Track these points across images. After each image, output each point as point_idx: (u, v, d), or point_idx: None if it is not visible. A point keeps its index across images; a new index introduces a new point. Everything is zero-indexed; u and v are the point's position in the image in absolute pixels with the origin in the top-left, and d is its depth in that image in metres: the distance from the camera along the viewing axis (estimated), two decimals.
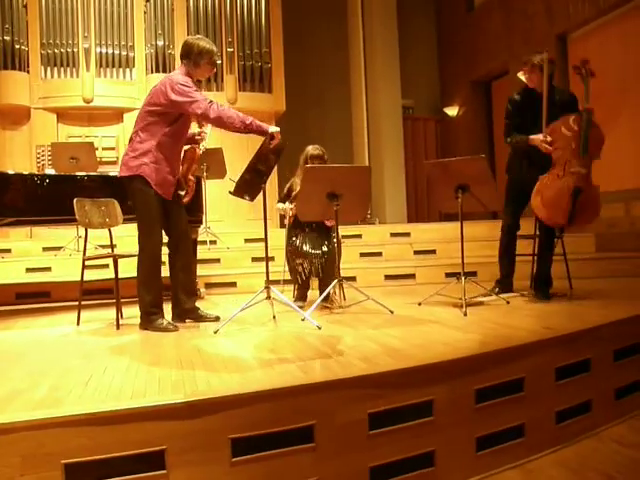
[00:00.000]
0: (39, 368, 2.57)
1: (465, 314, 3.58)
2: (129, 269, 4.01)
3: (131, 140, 3.60)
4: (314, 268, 4.25)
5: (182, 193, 3.80)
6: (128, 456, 1.86)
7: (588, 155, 3.90)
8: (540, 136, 3.91)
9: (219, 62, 3.68)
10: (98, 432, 1.84)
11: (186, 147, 3.87)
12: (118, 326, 3.71)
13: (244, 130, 3.45)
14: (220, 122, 3.41)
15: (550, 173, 3.95)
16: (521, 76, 4.16)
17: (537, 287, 4.17)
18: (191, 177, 3.90)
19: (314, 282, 4.43)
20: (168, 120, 3.53)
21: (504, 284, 4.37)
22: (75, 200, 3.90)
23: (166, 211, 3.63)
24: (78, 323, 3.90)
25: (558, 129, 3.92)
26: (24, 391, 2.15)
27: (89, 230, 4.15)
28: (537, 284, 4.18)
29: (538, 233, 4.31)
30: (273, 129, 3.48)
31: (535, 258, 4.38)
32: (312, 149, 4.36)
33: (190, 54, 3.59)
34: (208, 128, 3.90)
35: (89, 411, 1.86)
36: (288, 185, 4.49)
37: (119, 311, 3.84)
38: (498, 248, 4.43)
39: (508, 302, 3.97)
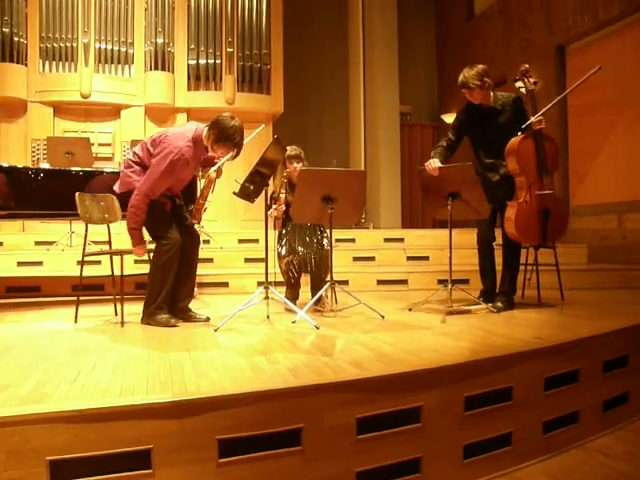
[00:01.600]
0: (26, 363, 2.56)
1: (443, 321, 3.61)
2: (116, 266, 4.01)
3: (129, 160, 3.71)
4: (305, 263, 4.26)
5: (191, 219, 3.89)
6: (114, 454, 1.85)
7: (549, 173, 3.92)
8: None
9: (236, 152, 3.63)
10: (84, 429, 1.83)
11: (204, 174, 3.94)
12: (123, 323, 3.69)
13: (129, 230, 3.60)
14: (130, 211, 3.55)
15: (517, 200, 3.98)
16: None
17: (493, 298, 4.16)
18: (202, 202, 3.92)
19: (305, 279, 4.42)
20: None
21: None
22: (77, 194, 3.88)
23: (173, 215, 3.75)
24: (76, 320, 3.85)
25: (520, 154, 3.90)
26: (10, 386, 2.13)
27: (82, 225, 4.13)
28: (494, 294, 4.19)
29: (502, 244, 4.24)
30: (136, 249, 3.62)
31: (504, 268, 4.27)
32: (289, 149, 4.36)
33: (215, 129, 3.51)
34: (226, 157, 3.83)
35: (76, 408, 1.85)
36: (272, 190, 4.47)
37: (122, 307, 3.81)
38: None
39: (497, 311, 3.95)
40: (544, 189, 3.91)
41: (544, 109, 3.94)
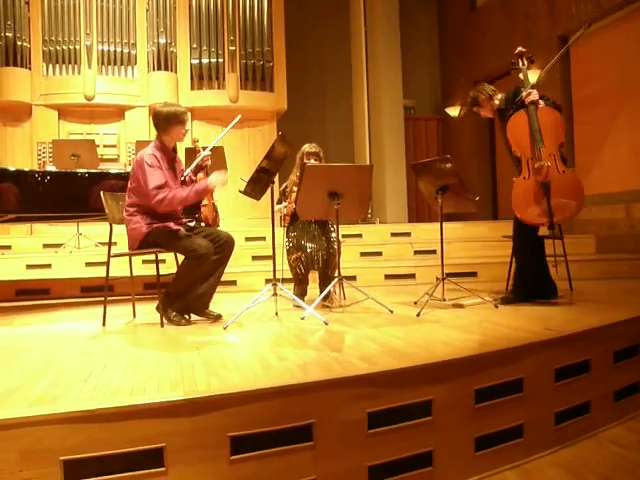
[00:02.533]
0: (38, 365, 2.57)
1: (419, 315, 3.59)
2: (125, 267, 4.04)
3: (125, 211, 3.73)
4: (312, 260, 4.26)
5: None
6: (127, 453, 1.86)
7: (545, 145, 3.72)
8: None
9: (188, 120, 3.76)
10: (97, 429, 1.84)
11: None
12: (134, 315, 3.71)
13: (197, 200, 3.72)
14: (171, 207, 3.61)
15: (518, 177, 3.86)
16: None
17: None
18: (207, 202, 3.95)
19: (313, 276, 4.43)
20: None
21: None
22: (102, 193, 3.88)
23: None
24: (104, 323, 3.76)
25: (511, 131, 3.86)
26: (22, 387, 2.15)
27: (89, 227, 4.14)
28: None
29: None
30: (213, 181, 3.62)
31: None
32: (308, 147, 4.39)
33: (158, 123, 3.71)
34: (204, 153, 3.95)
35: (88, 408, 1.86)
36: (284, 185, 4.49)
37: (133, 307, 3.86)
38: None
39: (497, 306, 3.86)
40: (541, 161, 3.72)
41: (539, 75, 3.88)
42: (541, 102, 3.80)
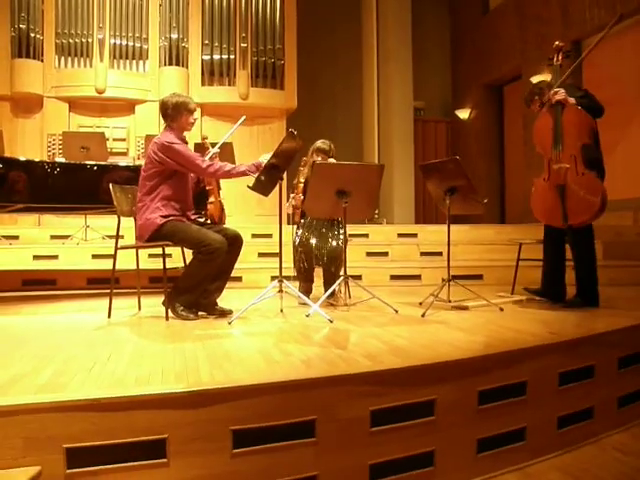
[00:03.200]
0: (43, 354, 2.58)
1: (424, 315, 3.60)
2: (131, 260, 4.05)
3: (139, 203, 3.71)
4: (316, 257, 4.25)
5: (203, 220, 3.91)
6: (129, 443, 1.87)
7: (566, 145, 3.68)
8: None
9: (197, 109, 3.81)
10: (100, 418, 1.85)
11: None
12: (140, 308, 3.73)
13: (237, 176, 3.73)
14: (222, 176, 3.73)
15: (539, 177, 3.88)
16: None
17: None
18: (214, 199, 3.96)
19: (319, 273, 4.42)
20: (165, 176, 3.66)
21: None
22: (111, 185, 3.87)
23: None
24: (109, 315, 3.74)
25: (535, 130, 3.85)
26: (28, 375, 2.16)
27: (97, 220, 4.16)
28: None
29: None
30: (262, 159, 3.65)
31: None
32: (320, 143, 4.42)
33: (166, 112, 3.73)
34: (213, 150, 3.99)
35: (92, 397, 1.87)
36: (296, 179, 4.50)
37: (139, 300, 3.85)
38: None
39: (501, 309, 3.84)
40: (559, 163, 3.69)
41: (560, 79, 3.79)
42: (572, 100, 3.69)
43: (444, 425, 2.31)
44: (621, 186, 6.92)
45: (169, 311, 3.62)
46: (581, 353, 2.82)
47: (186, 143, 3.80)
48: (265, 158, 3.61)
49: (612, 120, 7.05)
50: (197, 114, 3.86)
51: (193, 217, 3.82)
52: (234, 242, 3.73)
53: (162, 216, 3.61)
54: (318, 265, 4.33)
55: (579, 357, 2.80)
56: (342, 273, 4.00)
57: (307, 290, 4.36)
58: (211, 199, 3.90)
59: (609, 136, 7.05)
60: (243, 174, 3.66)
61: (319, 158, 4.33)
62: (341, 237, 4.28)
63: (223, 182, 4.37)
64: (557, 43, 3.94)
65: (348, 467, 2.13)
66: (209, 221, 4.00)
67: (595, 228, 3.94)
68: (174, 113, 3.70)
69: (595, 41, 3.81)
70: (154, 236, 3.63)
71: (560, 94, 3.67)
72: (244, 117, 3.97)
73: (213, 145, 4.01)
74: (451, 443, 2.32)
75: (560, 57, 3.88)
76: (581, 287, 3.90)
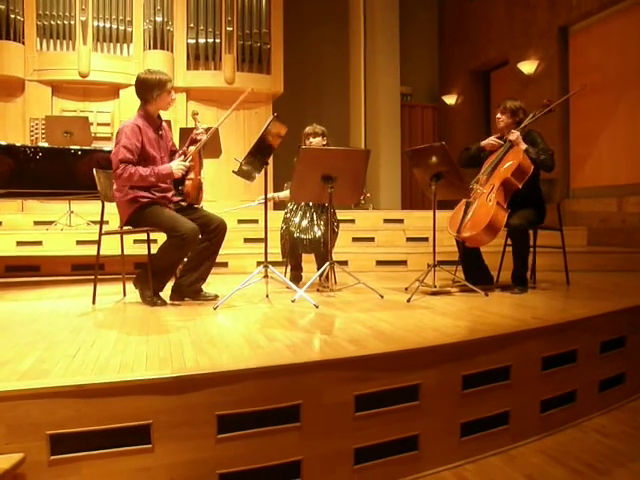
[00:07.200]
0: (26, 340, 2.56)
1: (409, 300, 3.62)
2: (116, 246, 4.02)
3: (114, 187, 3.63)
4: (300, 241, 4.25)
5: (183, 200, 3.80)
6: (113, 429, 1.86)
7: (493, 176, 4.04)
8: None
9: (173, 90, 3.70)
10: (84, 404, 1.84)
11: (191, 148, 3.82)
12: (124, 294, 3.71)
13: (156, 181, 3.57)
14: (130, 182, 3.49)
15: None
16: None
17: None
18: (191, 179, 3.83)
19: (309, 258, 4.42)
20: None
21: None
22: (94, 170, 3.82)
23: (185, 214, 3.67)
24: (94, 301, 3.72)
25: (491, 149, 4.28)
26: (11, 362, 2.14)
27: (81, 205, 4.11)
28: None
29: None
30: (174, 167, 3.58)
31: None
32: (308, 128, 4.38)
33: (142, 91, 3.60)
34: (202, 125, 3.87)
35: (75, 383, 1.86)
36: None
37: (124, 286, 3.84)
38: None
39: (487, 294, 3.85)
40: (478, 183, 4.08)
41: (527, 121, 4.18)
42: (523, 145, 4.00)
43: (428, 409, 2.33)
44: (606, 173, 6.97)
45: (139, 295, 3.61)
46: (564, 338, 2.85)
47: (160, 120, 3.71)
48: (177, 167, 3.58)
49: (598, 107, 7.12)
50: (174, 94, 3.73)
51: (175, 199, 3.77)
52: (218, 230, 3.70)
53: (132, 199, 3.54)
54: (306, 252, 4.33)
55: (562, 342, 2.84)
56: (328, 259, 4.00)
57: (296, 278, 4.36)
58: (190, 175, 3.77)
59: (594, 123, 7.14)
60: (147, 179, 3.50)
61: (313, 140, 4.31)
62: (333, 223, 4.27)
63: (208, 163, 4.28)
64: (546, 101, 4.33)
65: (333, 451, 2.14)
66: (186, 201, 3.86)
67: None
68: (150, 94, 3.57)
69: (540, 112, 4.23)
70: (132, 219, 3.59)
71: (513, 136, 4.05)
72: (250, 88, 3.70)
73: (207, 130, 3.89)
74: (435, 427, 2.35)
75: (544, 110, 4.24)
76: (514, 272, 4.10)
